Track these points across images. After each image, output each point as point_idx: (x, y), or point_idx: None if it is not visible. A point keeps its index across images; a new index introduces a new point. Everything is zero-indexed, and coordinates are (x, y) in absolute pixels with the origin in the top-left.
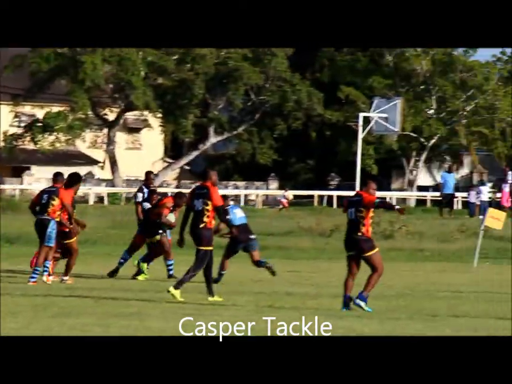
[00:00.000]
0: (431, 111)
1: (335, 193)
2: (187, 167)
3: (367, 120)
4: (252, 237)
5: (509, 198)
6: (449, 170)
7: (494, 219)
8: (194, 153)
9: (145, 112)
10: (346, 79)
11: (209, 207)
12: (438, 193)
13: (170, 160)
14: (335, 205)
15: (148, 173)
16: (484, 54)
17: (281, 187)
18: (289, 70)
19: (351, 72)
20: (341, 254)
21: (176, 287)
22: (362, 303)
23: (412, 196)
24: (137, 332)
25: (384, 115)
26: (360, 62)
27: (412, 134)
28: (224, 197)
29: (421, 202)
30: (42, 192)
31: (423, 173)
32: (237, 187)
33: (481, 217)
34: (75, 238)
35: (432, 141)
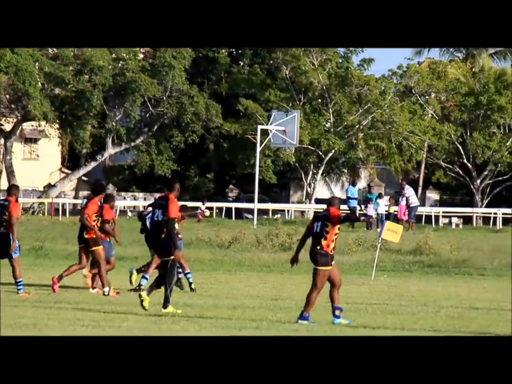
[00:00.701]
0: (328, 125)
1: (233, 205)
2: (85, 178)
3: (265, 133)
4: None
5: (405, 211)
6: (353, 184)
7: (391, 232)
8: (92, 164)
9: (43, 123)
10: (244, 92)
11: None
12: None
13: (68, 171)
14: (233, 217)
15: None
16: (379, 69)
17: (179, 198)
18: (187, 82)
19: (249, 84)
20: (239, 266)
21: (165, 306)
22: (304, 322)
23: (310, 208)
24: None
25: (282, 128)
26: (256, 75)
27: (309, 147)
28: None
29: None
30: None
31: (321, 186)
32: (135, 198)
33: (378, 230)
34: (101, 246)
35: (330, 154)
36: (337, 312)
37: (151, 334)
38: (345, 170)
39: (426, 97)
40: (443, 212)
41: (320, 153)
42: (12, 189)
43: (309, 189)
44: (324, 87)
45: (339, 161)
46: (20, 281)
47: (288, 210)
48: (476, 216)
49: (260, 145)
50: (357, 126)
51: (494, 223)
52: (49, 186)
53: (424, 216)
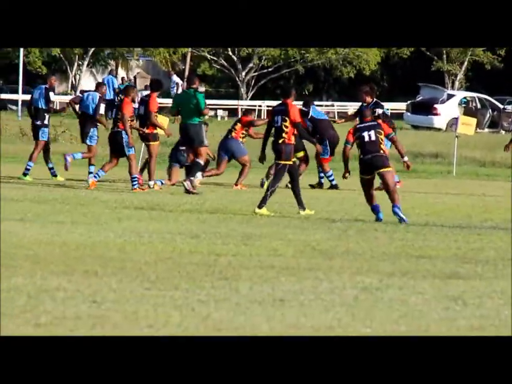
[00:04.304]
0: None
1: None
2: None
3: None
4: None
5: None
6: (112, 74)
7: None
8: None
9: None
10: None
11: (287, 123)
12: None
13: None
14: None
15: None
16: None
17: None
18: None
19: None
20: (3, 158)
21: (260, 206)
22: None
23: None
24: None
25: None
26: None
27: None
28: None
29: None
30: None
31: (87, 77)
32: None
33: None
34: (157, 141)
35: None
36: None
37: None
38: (112, 62)
39: None
40: (209, 105)
41: None
42: (128, 89)
43: (74, 81)
44: None
45: (105, 53)
46: (134, 177)
47: (53, 102)
48: (241, 109)
49: None
50: None
51: (259, 115)
52: None
53: None
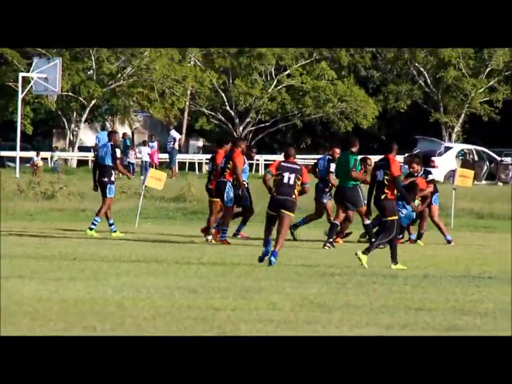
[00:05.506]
0: (91, 72)
1: None
2: None
3: (26, 80)
4: None
5: (157, 157)
6: (103, 129)
7: (155, 179)
8: None
9: None
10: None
11: (389, 178)
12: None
13: None
14: None
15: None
16: None
17: None
18: None
19: None
20: (2, 215)
21: (394, 262)
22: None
23: (74, 156)
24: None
25: (44, 75)
26: None
27: (71, 94)
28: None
29: (82, 162)
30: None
31: (85, 134)
32: None
33: (142, 177)
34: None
35: (93, 102)
36: None
37: None
38: (110, 117)
39: None
40: (206, 159)
41: (83, 101)
42: (238, 141)
43: (71, 137)
44: None
45: (102, 109)
46: (225, 230)
47: (51, 158)
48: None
49: (22, 93)
50: (119, 75)
51: (257, 170)
52: None
53: (187, 163)
